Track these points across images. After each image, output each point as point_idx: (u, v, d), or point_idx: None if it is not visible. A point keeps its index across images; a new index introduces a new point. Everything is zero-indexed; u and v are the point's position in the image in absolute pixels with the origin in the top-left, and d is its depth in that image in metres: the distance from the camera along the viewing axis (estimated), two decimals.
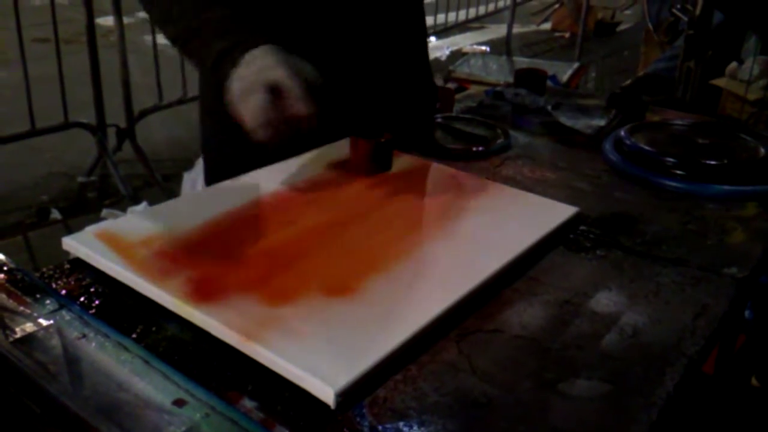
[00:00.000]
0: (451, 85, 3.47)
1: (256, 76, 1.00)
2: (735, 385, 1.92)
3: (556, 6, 7.35)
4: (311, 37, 1.24)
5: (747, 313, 1.88)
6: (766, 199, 1.17)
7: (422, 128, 1.39)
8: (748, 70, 2.22)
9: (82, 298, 0.83)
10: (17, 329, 0.73)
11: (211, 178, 1.40)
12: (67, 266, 0.89)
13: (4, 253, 0.86)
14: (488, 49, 5.99)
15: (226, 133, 1.35)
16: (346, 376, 0.68)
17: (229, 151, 1.36)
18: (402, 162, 1.21)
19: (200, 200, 1.08)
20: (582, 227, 1.06)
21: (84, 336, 0.73)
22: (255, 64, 1.02)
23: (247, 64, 1.02)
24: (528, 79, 1.63)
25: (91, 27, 3.47)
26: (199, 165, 2.97)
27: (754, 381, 1.96)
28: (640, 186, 1.21)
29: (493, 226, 1.00)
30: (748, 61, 2.24)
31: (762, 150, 1.29)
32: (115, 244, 0.90)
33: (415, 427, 0.65)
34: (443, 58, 5.80)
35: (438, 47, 6.07)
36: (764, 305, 1.84)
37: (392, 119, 1.30)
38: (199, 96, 1.43)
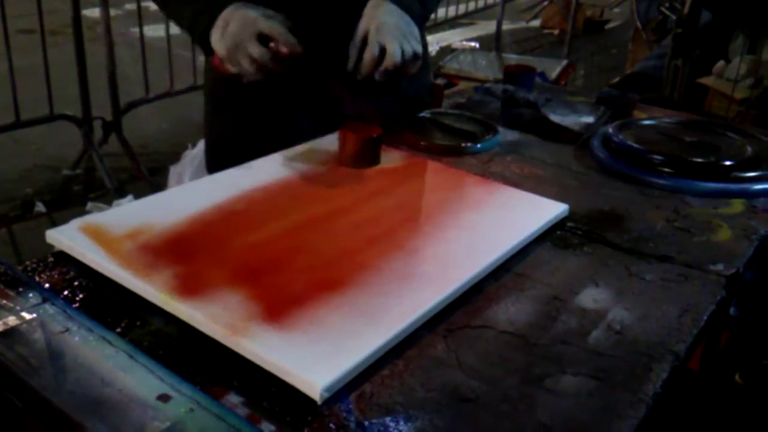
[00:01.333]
0: (440, 81, 3.47)
1: (243, 30, 1.11)
2: (719, 383, 1.93)
3: (546, 3, 7.37)
4: (308, 20, 1.25)
5: (732, 310, 1.89)
6: (752, 197, 1.17)
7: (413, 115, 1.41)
8: (735, 69, 2.22)
9: (65, 292, 0.82)
10: None
11: (212, 159, 1.47)
12: (50, 259, 0.88)
13: None
14: (478, 45, 5.98)
15: (227, 115, 1.42)
16: (332, 372, 0.68)
17: (230, 132, 1.42)
18: (390, 157, 1.20)
19: (186, 194, 1.07)
20: (569, 224, 1.06)
21: (67, 330, 0.72)
22: (235, 21, 1.12)
23: (227, 23, 1.12)
24: (517, 75, 1.62)
25: (77, 18, 3.43)
26: (186, 158, 2.95)
27: (737, 379, 1.98)
28: (627, 183, 1.21)
29: (481, 222, 1.00)
30: (735, 60, 2.25)
31: (748, 148, 1.29)
32: (100, 237, 0.89)
33: (401, 422, 0.65)
34: (432, 54, 5.80)
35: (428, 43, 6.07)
36: (749, 303, 1.85)
37: (386, 109, 1.30)
38: (204, 82, 1.50)
